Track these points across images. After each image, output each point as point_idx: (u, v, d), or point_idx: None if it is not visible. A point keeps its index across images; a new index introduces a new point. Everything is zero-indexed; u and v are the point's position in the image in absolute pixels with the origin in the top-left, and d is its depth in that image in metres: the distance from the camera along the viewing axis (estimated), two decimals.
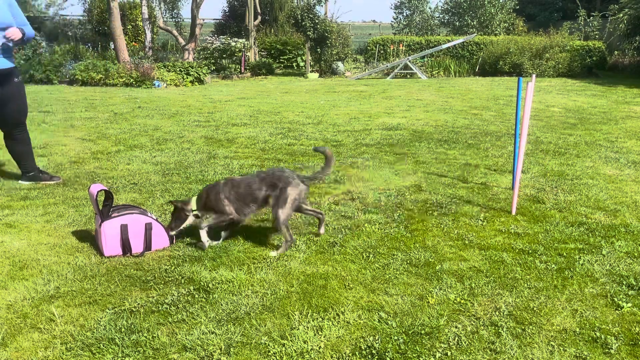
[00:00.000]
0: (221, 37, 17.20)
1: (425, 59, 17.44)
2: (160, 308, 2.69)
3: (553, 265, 3.19)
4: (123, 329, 2.50)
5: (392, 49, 18.07)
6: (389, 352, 2.35)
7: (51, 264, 3.17)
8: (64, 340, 2.42)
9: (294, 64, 19.08)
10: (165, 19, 21.58)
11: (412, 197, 4.47)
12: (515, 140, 4.45)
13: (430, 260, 3.26)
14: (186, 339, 2.44)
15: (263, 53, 19.45)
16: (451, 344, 2.42)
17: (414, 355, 2.34)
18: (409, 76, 16.36)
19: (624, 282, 2.97)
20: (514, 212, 4.09)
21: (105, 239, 3.27)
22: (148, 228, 3.35)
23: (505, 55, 16.07)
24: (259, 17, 19.19)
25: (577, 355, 2.34)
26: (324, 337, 2.46)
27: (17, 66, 4.86)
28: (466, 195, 4.55)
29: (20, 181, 4.87)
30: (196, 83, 14.15)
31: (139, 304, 2.73)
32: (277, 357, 2.32)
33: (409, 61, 16.37)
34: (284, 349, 2.37)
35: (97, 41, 18.99)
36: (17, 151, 4.86)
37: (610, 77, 15.26)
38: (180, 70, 14.11)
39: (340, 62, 17.90)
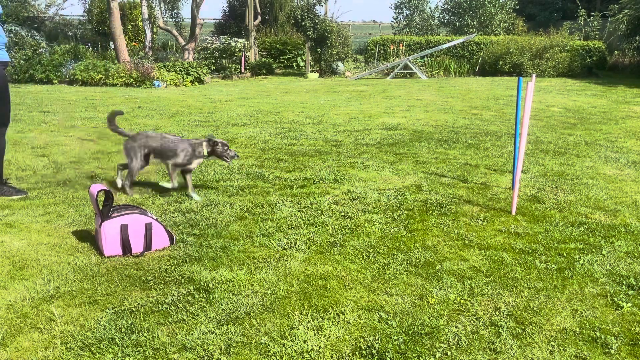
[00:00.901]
0: (221, 37, 17.21)
1: (425, 59, 17.44)
2: (160, 308, 2.69)
3: (553, 265, 3.19)
4: (123, 329, 2.50)
5: (392, 49, 18.08)
6: (389, 352, 2.35)
7: (51, 264, 3.17)
8: (64, 340, 2.42)
9: (294, 64, 19.08)
10: (165, 19, 21.60)
11: (412, 197, 4.47)
12: (515, 140, 4.45)
13: (430, 260, 3.26)
14: (186, 339, 2.44)
15: (263, 53, 19.46)
16: (451, 344, 2.42)
17: (414, 355, 2.34)
18: (409, 76, 16.36)
19: (624, 282, 2.97)
20: (514, 212, 4.09)
21: (106, 239, 3.27)
22: (148, 228, 3.35)
23: (505, 55, 16.08)
24: (259, 17, 19.19)
25: (577, 355, 2.34)
26: (324, 337, 2.46)
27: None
28: (466, 195, 4.55)
29: None
30: (196, 83, 14.15)
31: (139, 304, 2.73)
32: (277, 357, 2.32)
33: (409, 61, 16.37)
34: (284, 348, 2.37)
35: (97, 41, 18.98)
36: None
37: (610, 77, 15.27)
38: (180, 70, 14.11)
39: (340, 62, 17.91)
